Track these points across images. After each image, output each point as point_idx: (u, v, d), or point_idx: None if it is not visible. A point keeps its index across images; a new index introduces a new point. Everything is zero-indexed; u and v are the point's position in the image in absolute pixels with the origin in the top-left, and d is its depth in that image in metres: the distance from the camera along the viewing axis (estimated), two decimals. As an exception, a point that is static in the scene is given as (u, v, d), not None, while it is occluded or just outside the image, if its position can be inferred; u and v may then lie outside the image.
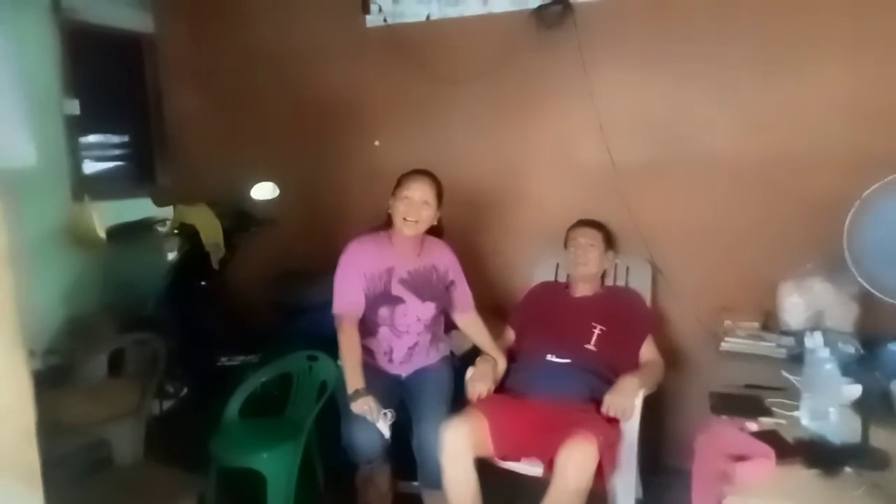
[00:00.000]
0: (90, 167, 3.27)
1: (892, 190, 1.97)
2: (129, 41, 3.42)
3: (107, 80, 3.37)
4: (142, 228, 3.04)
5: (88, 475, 2.17)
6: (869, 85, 2.30)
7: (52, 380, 2.46)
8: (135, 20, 3.39)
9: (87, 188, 3.07)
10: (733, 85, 2.48)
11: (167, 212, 3.08)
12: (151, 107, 3.54)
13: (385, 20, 2.99)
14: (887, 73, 2.27)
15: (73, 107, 3.03)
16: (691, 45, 2.51)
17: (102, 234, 2.95)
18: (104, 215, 3.00)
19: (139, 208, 3.16)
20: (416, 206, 2.19)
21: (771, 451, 1.49)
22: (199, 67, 3.45)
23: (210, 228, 2.90)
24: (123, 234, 2.99)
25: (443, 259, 2.33)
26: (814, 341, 1.78)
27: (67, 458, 2.19)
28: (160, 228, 3.05)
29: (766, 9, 2.40)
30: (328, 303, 2.24)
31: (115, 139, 3.50)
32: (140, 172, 3.56)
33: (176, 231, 2.94)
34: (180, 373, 2.88)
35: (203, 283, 2.98)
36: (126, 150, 3.54)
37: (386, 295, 2.24)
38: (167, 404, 2.88)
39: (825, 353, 1.68)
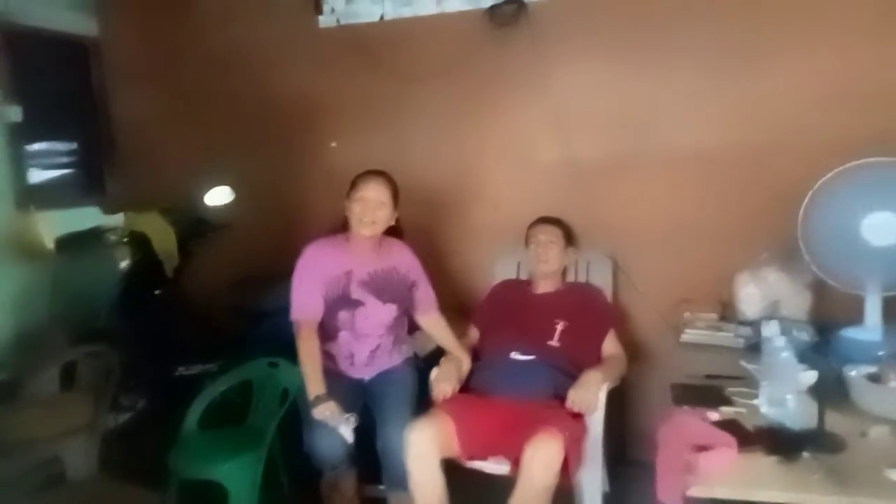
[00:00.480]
0: (36, 176, 3.14)
1: (843, 179, 2.02)
2: (72, 45, 3.31)
3: (50, 85, 3.25)
4: (91, 238, 2.93)
5: (40, 493, 2.10)
6: (823, 80, 2.35)
7: (0, 396, 2.36)
8: (78, 24, 3.29)
9: (33, 197, 2.97)
10: (689, 81, 2.52)
11: (117, 220, 2.99)
12: (99, 112, 3.43)
13: (338, 21, 2.96)
14: (839, 68, 2.32)
15: (16, 114, 2.92)
16: (645, 41, 2.54)
17: (50, 245, 2.86)
18: (52, 225, 2.90)
19: (89, 217, 3.07)
20: (371, 206, 2.16)
21: (733, 440, 1.51)
22: (147, 71, 3.35)
23: (162, 236, 2.82)
24: (72, 243, 2.89)
25: (403, 260, 2.31)
26: (770, 330, 1.82)
27: (18, 475, 2.11)
28: (111, 237, 2.96)
29: (724, 2, 2.43)
30: (288, 307, 2.20)
31: (62, 146, 3.37)
32: (88, 180, 3.44)
33: (126, 240, 2.85)
34: (136, 385, 2.79)
35: (157, 291, 2.90)
36: (73, 157, 3.42)
37: (345, 298, 2.20)
38: (123, 417, 2.78)
39: (781, 341, 1.72)
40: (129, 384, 2.70)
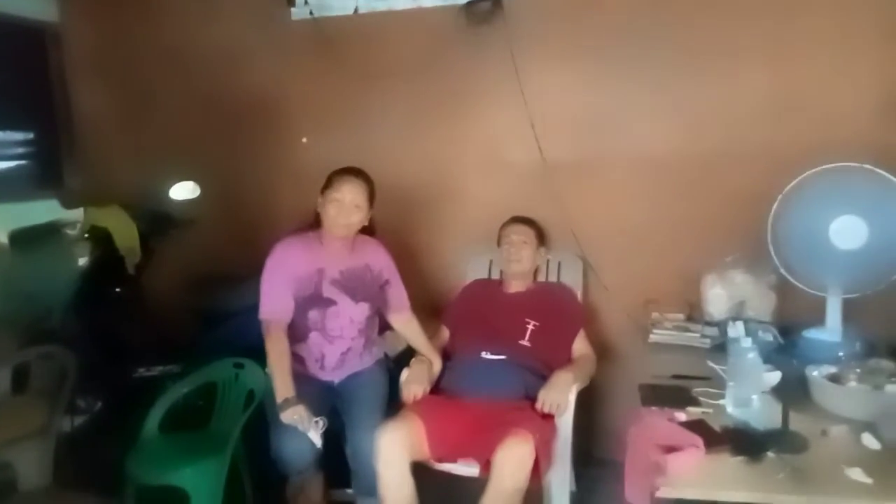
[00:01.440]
0: (-12, 167, 3.02)
1: (811, 184, 2.06)
2: (30, 32, 3.18)
3: (6, 72, 3.12)
4: (48, 232, 2.83)
5: (-11, 502, 2.01)
6: (788, 85, 2.40)
7: (-53, 398, 2.26)
8: (37, 9, 3.16)
9: (-15, 189, 2.85)
10: (660, 84, 2.54)
11: (75, 214, 2.88)
12: (57, 102, 3.30)
13: (311, 13, 2.90)
14: (805, 73, 2.38)
15: (-32, 101, 2.79)
16: (621, 43, 2.55)
17: (4, 239, 2.74)
18: (6, 218, 2.78)
19: (45, 211, 2.95)
20: (346, 209, 2.12)
21: (700, 441, 1.52)
22: (111, 61, 3.25)
23: (124, 231, 2.74)
24: (27, 238, 2.78)
25: (377, 258, 2.28)
26: (736, 331, 1.85)
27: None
28: (69, 232, 2.85)
29: (693, 10, 2.47)
30: (254, 307, 2.15)
31: (17, 136, 3.24)
32: (46, 172, 3.31)
33: (86, 235, 2.75)
34: (93, 387, 2.70)
35: (117, 289, 2.81)
36: (29, 148, 3.29)
37: (317, 297, 2.16)
38: (79, 421, 2.69)
39: (747, 342, 1.74)
40: (85, 386, 2.61)
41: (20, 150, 3.25)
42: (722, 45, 2.45)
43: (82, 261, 2.80)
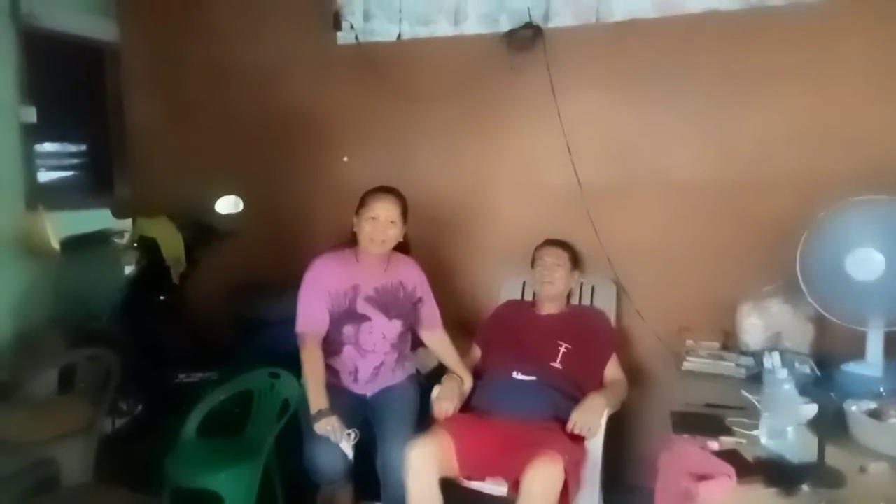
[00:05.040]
0: (46, 176, 3.17)
1: (833, 216, 2.05)
2: (90, 49, 3.36)
3: (66, 87, 3.30)
4: (98, 240, 2.96)
5: (34, 496, 2.08)
6: (824, 112, 2.38)
7: (-3, 395, 2.35)
8: (98, 28, 3.33)
9: (42, 197, 2.99)
10: (697, 111, 2.55)
11: (125, 224, 3.01)
12: (111, 116, 3.47)
13: (356, 38, 2.99)
14: (840, 101, 2.36)
15: (30, 114, 2.95)
16: (656, 72, 2.57)
17: (56, 245, 2.86)
18: (59, 226, 2.91)
19: (96, 219, 3.09)
20: (382, 226, 2.17)
21: (732, 470, 1.51)
22: (163, 78, 3.39)
23: (171, 242, 2.84)
24: (78, 245, 2.90)
25: (410, 276, 2.32)
26: (772, 362, 1.83)
27: (12, 478, 2.10)
28: (117, 240, 2.97)
29: (728, 40, 2.48)
30: (291, 318, 2.20)
31: (73, 148, 3.41)
32: (98, 183, 3.47)
33: (135, 244, 2.86)
34: (135, 390, 2.78)
35: (162, 297, 2.91)
36: (84, 159, 3.45)
37: (351, 312, 2.21)
38: (120, 422, 2.77)
39: (783, 373, 1.73)
40: (127, 389, 2.70)
41: (75, 161, 3.42)
42: (759, 73, 2.45)
43: (130, 268, 2.92)
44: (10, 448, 2.14)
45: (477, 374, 2.39)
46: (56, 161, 3.29)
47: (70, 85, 3.33)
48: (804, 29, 2.37)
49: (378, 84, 2.94)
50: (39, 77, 2.99)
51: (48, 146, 3.21)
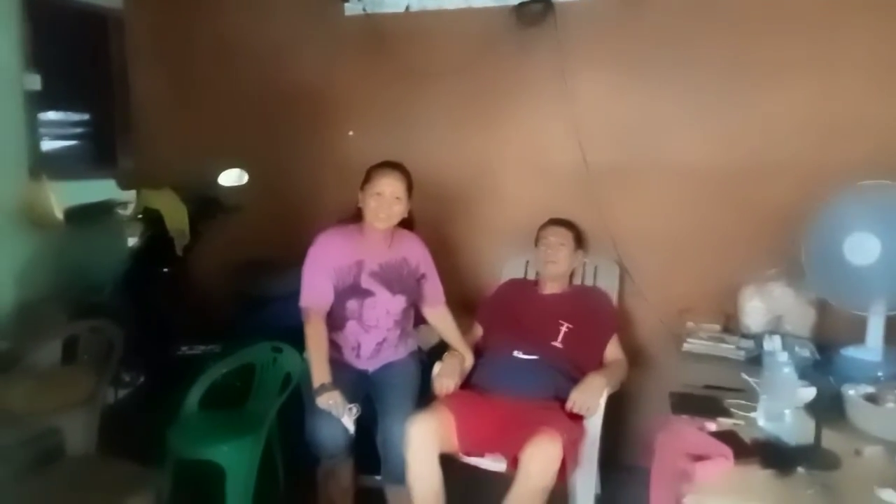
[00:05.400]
0: (49, 145, 3.15)
1: (843, 199, 2.05)
2: (95, 17, 3.31)
3: (71, 56, 3.25)
4: (102, 211, 2.94)
5: (38, 465, 2.10)
6: (830, 100, 2.37)
7: (1, 365, 2.37)
8: (103, -4, 3.29)
9: (46, 166, 2.96)
10: (705, 96, 2.54)
11: (129, 195, 2.99)
12: (116, 86, 3.43)
13: (364, 9, 2.95)
14: (846, 89, 2.35)
15: (34, 82, 2.92)
16: (667, 53, 2.55)
17: (60, 215, 2.85)
18: (62, 195, 2.89)
19: (99, 190, 3.07)
20: (387, 201, 2.17)
21: (729, 451, 1.52)
22: (169, 48, 3.36)
23: (175, 214, 2.83)
24: (82, 215, 2.89)
25: (414, 252, 2.32)
26: (772, 345, 1.83)
27: (15, 448, 2.11)
28: (121, 211, 2.96)
29: (738, 26, 2.46)
30: (294, 293, 2.21)
31: (77, 117, 3.38)
32: (101, 153, 3.44)
33: (139, 215, 2.86)
34: (137, 361, 2.80)
35: (165, 269, 2.91)
36: (87, 128, 3.42)
37: (355, 287, 2.22)
38: (122, 394, 2.80)
39: (783, 356, 1.73)
40: (130, 360, 2.71)
41: (79, 131, 3.39)
42: (768, 59, 2.44)
43: (133, 240, 2.91)
44: (13, 419, 2.15)
45: (478, 351, 2.41)
46: (60, 130, 3.27)
47: (74, 53, 3.28)
48: (810, 19, 2.37)
49: (385, 58, 2.91)
50: (44, 45, 2.95)
51: (52, 115, 3.18)
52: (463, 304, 2.60)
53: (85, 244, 2.88)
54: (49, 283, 2.84)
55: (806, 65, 2.39)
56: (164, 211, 2.81)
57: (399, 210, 2.20)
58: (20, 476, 1.91)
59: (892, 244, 1.97)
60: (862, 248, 2.01)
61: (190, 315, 2.94)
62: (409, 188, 2.23)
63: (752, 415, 1.77)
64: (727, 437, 1.63)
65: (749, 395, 1.86)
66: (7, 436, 2.13)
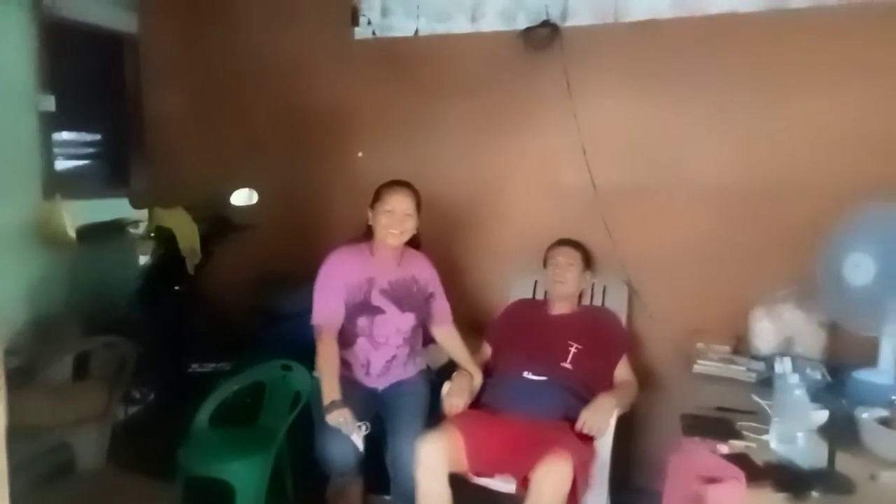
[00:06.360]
0: (63, 165, 3.20)
1: (848, 220, 2.05)
2: (110, 39, 3.39)
3: (85, 77, 3.33)
4: (114, 229, 2.99)
5: (50, 481, 2.11)
6: (848, 118, 2.35)
7: (13, 381, 2.37)
8: (118, 19, 3.36)
9: (59, 186, 3.01)
10: (712, 115, 2.53)
11: (141, 214, 3.03)
12: (129, 107, 3.49)
13: (373, 33, 3.00)
14: (862, 106, 2.33)
15: (48, 103, 2.97)
16: (674, 73, 2.56)
17: (73, 234, 2.89)
18: (76, 214, 2.93)
19: (112, 209, 3.11)
20: (398, 218, 2.20)
21: (741, 474, 1.51)
22: (182, 69, 3.41)
23: (187, 233, 2.86)
24: (95, 234, 2.94)
25: (423, 271, 2.34)
26: (783, 367, 1.82)
27: (28, 462, 2.13)
28: (133, 230, 3.00)
29: (747, 42, 2.46)
30: (304, 311, 2.23)
31: (90, 137, 3.44)
32: (114, 173, 3.50)
33: (152, 234, 2.89)
34: (149, 378, 2.82)
35: (177, 287, 2.93)
36: (101, 148, 3.48)
37: (366, 305, 2.23)
38: (134, 410, 2.81)
39: (795, 378, 1.72)
40: (142, 377, 2.73)
41: (92, 151, 3.45)
42: (775, 79, 2.42)
43: (146, 258, 2.94)
44: (26, 433, 2.16)
45: (487, 371, 2.41)
46: (73, 150, 3.32)
47: (89, 75, 3.36)
48: (826, 32, 2.34)
49: (394, 80, 2.95)
50: (58, 66, 3.01)
51: (66, 135, 3.24)
52: (471, 324, 2.60)
53: (97, 262, 2.92)
54: (62, 300, 2.88)
55: (822, 78, 2.36)
56: (176, 230, 2.84)
57: (410, 226, 2.22)
58: (32, 490, 1.91)
59: (886, 263, 1.97)
60: (858, 268, 2.01)
61: (202, 332, 2.95)
62: (419, 206, 2.26)
63: (765, 437, 1.75)
64: (739, 459, 1.61)
65: (761, 418, 1.85)
66: (19, 450, 2.13)
